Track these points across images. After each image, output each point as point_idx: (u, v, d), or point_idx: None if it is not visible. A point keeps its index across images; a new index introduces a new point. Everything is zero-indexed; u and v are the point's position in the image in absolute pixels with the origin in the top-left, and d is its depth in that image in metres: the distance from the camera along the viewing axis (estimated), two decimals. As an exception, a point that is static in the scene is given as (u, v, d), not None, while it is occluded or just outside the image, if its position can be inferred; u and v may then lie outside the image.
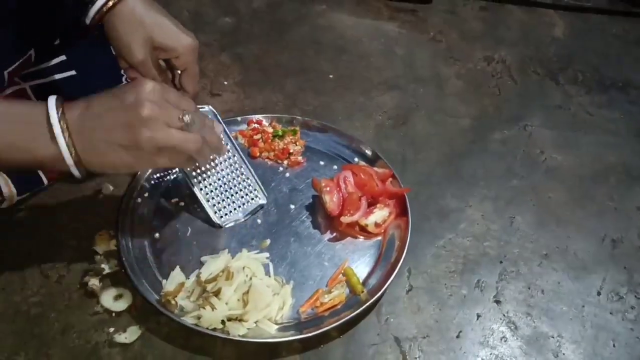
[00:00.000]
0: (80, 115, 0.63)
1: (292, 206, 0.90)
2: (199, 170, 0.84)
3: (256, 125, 1.01)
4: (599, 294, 0.84)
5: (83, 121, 0.62)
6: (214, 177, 0.85)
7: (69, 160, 0.62)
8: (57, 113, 0.61)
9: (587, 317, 0.81)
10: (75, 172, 0.64)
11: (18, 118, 0.62)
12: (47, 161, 0.63)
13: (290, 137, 0.99)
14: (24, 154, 0.62)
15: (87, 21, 0.74)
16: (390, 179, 0.92)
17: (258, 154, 0.97)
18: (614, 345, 0.78)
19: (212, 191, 0.85)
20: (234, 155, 0.87)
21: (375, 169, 0.92)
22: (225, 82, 1.14)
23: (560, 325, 0.80)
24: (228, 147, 0.86)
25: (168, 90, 0.67)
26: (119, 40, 0.74)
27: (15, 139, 0.62)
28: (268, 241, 0.85)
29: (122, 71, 0.96)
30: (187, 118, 0.66)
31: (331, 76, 1.19)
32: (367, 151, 0.97)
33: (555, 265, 0.87)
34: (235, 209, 0.87)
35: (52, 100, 0.62)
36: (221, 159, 0.86)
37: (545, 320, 0.80)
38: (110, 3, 0.72)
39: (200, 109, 0.82)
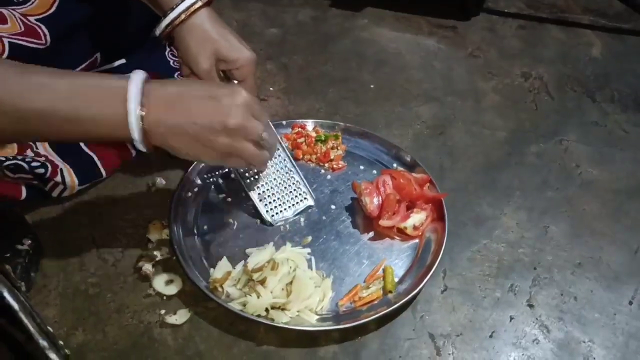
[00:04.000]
0: (169, 95, 0.65)
1: (333, 206, 0.94)
2: (252, 172, 0.90)
3: (300, 129, 1.05)
4: (630, 303, 0.86)
5: (170, 103, 0.65)
6: (267, 179, 0.90)
7: (134, 129, 0.63)
8: (141, 84, 0.63)
9: (619, 325, 0.83)
10: (142, 147, 0.65)
11: (103, 86, 0.63)
12: (115, 130, 0.63)
13: (332, 142, 1.03)
14: (104, 123, 0.63)
15: (158, 32, 0.79)
16: (428, 185, 0.95)
17: (301, 156, 1.02)
18: (645, 353, 0.80)
19: (264, 192, 0.90)
20: (285, 159, 0.92)
21: (413, 174, 0.96)
22: (271, 89, 1.20)
23: (591, 331, 0.82)
24: (279, 150, 0.91)
25: (256, 103, 0.71)
26: (188, 50, 0.79)
27: (98, 109, 0.62)
28: (310, 238, 0.89)
29: (176, 74, 1.03)
30: (265, 135, 0.71)
31: (372, 86, 1.23)
32: (405, 157, 1.01)
33: (588, 274, 0.89)
34: (285, 209, 0.91)
35: (138, 73, 0.64)
36: (273, 162, 0.91)
37: (577, 326, 0.82)
38: (183, 16, 0.77)
39: None
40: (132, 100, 0.62)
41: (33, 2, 0.80)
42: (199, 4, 0.78)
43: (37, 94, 0.60)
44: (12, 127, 0.61)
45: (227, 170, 0.96)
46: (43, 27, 0.79)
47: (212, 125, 0.66)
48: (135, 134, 0.64)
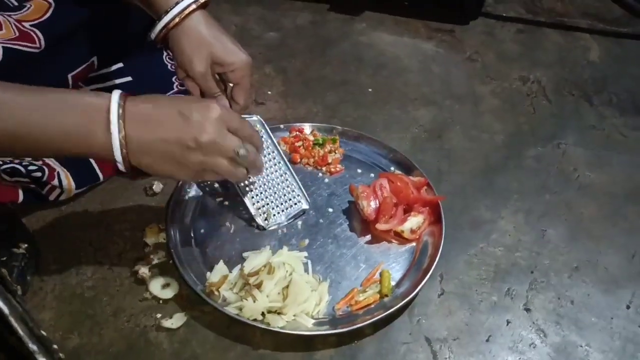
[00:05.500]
0: (142, 113, 0.65)
1: (330, 210, 0.94)
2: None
3: (298, 132, 1.06)
4: (628, 307, 0.86)
5: (143, 119, 0.65)
6: (260, 182, 0.90)
7: (117, 153, 0.64)
8: (119, 107, 0.63)
9: (616, 329, 0.83)
10: (120, 165, 0.66)
11: (81, 106, 0.64)
12: (99, 151, 0.65)
13: (330, 146, 1.03)
14: (80, 140, 0.64)
15: (153, 36, 0.79)
16: (425, 188, 0.95)
17: (299, 160, 1.02)
18: (642, 358, 0.80)
19: (257, 195, 0.90)
20: (279, 162, 0.92)
21: (411, 177, 0.96)
22: (269, 92, 1.20)
23: (588, 335, 0.82)
24: (274, 154, 0.91)
25: (233, 118, 0.71)
26: (182, 53, 0.79)
27: (74, 125, 0.63)
28: (307, 241, 0.89)
29: (173, 78, 1.03)
30: (242, 152, 0.70)
31: (370, 90, 1.24)
32: (403, 161, 1.01)
33: (585, 278, 0.89)
34: (278, 212, 0.91)
35: (116, 93, 0.65)
36: (267, 165, 0.90)
37: (574, 330, 0.82)
38: (177, 20, 0.77)
39: (249, 119, 0.87)
40: (114, 122, 0.63)
41: (28, 8, 0.80)
42: (193, 6, 0.77)
43: (8, 113, 0.60)
44: None
45: None
46: (38, 32, 0.79)
47: (183, 141, 0.66)
48: (117, 154, 0.64)
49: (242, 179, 0.80)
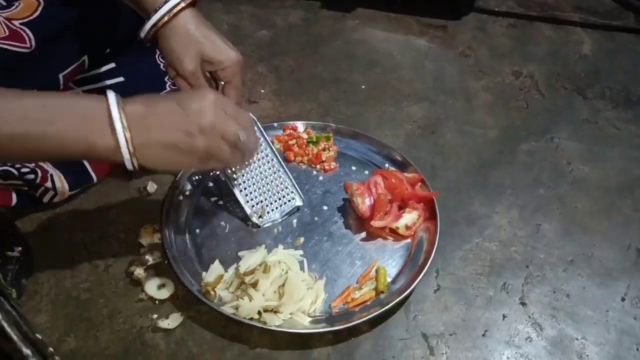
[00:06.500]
0: (141, 112, 0.66)
1: (325, 207, 0.94)
2: (239, 173, 0.89)
3: (291, 131, 1.05)
4: (623, 300, 0.86)
5: (143, 118, 0.65)
6: (253, 180, 0.90)
7: (125, 153, 0.65)
8: (118, 107, 0.64)
9: (612, 321, 0.83)
10: (129, 165, 0.66)
11: (79, 110, 0.64)
12: (102, 153, 0.65)
13: (324, 143, 1.03)
14: (81, 144, 0.64)
15: (142, 35, 0.79)
16: (420, 184, 0.95)
17: (293, 158, 1.02)
18: (637, 349, 0.80)
19: (251, 193, 0.90)
20: (272, 159, 0.91)
21: (405, 174, 0.96)
22: (262, 91, 1.20)
23: (584, 328, 0.82)
24: (267, 151, 0.91)
25: (228, 103, 0.72)
26: (172, 52, 0.78)
27: (75, 130, 0.63)
28: (302, 239, 0.89)
29: (166, 78, 1.03)
30: (242, 135, 0.71)
31: (363, 87, 1.23)
32: (397, 157, 1.01)
33: (580, 272, 0.89)
34: (272, 210, 0.91)
35: (112, 95, 0.65)
36: (260, 162, 0.91)
37: (570, 323, 0.82)
38: (166, 18, 0.76)
39: None
40: (117, 124, 0.63)
41: (17, 6, 0.79)
42: (182, 4, 0.77)
43: (5, 119, 0.60)
44: None
45: (217, 173, 0.96)
46: (28, 30, 0.78)
47: (187, 128, 0.67)
48: (125, 152, 0.65)
49: (240, 164, 0.82)
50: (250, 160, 0.89)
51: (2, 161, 0.80)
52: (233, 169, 0.88)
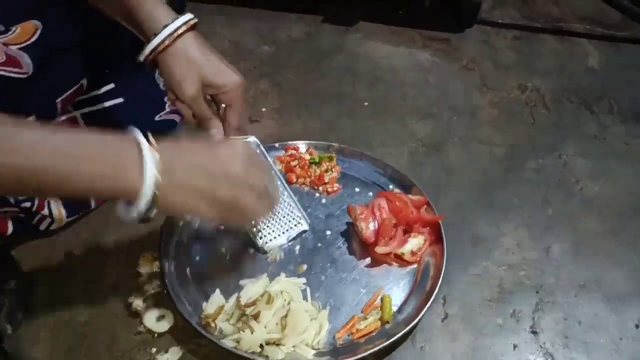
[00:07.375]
0: (169, 154, 0.62)
1: (328, 232, 0.92)
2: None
3: (293, 151, 1.03)
4: (637, 327, 0.83)
5: (170, 160, 0.61)
6: None
7: (147, 194, 0.59)
8: (149, 148, 0.60)
9: (625, 350, 0.81)
10: (140, 210, 0.60)
11: (111, 149, 0.60)
12: (122, 195, 0.61)
13: (327, 164, 1.01)
14: (105, 184, 0.59)
15: (141, 58, 0.77)
16: (425, 207, 0.93)
17: (294, 180, 1.00)
18: (652, 379, 0.78)
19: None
20: (277, 182, 0.89)
21: (410, 196, 0.94)
22: (264, 109, 1.18)
23: (597, 357, 0.80)
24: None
25: (255, 153, 0.72)
26: (172, 76, 0.77)
27: (99, 172, 0.59)
28: (305, 266, 0.86)
29: (165, 98, 1.01)
30: (271, 187, 0.70)
31: (366, 103, 1.21)
32: (401, 178, 0.98)
33: (592, 296, 0.87)
34: (279, 235, 0.89)
35: (138, 133, 0.61)
36: None
37: (582, 352, 0.80)
38: (167, 42, 0.75)
39: (244, 140, 0.85)
40: (148, 163, 0.59)
41: (14, 31, 0.78)
42: (183, 29, 0.76)
43: (32, 153, 0.56)
44: (9, 186, 0.58)
45: None
46: (25, 55, 0.77)
47: (214, 174, 0.64)
48: (148, 194, 0.60)
49: (266, 214, 0.78)
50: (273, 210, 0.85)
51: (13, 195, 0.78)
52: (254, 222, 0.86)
